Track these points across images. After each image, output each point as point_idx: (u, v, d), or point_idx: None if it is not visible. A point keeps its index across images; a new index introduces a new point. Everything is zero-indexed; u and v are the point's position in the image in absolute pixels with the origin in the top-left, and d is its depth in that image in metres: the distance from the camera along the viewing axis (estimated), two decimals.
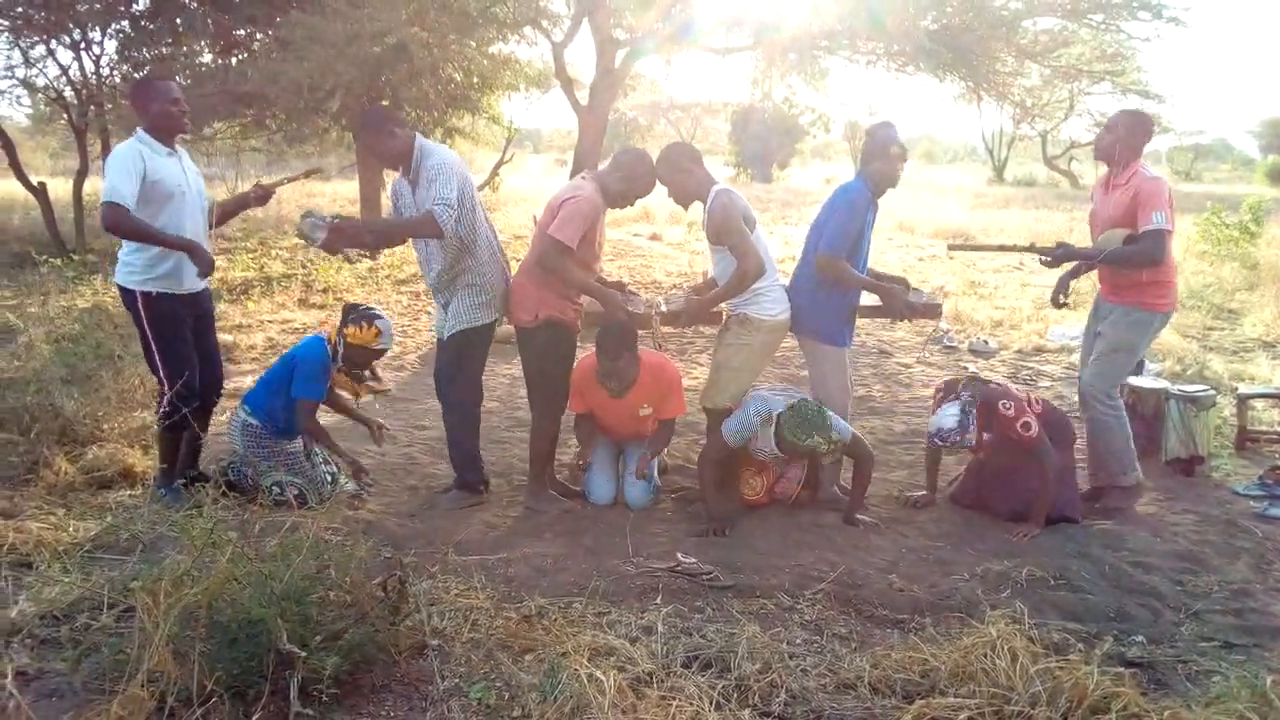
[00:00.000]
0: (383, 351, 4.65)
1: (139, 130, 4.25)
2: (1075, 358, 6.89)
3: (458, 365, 4.57)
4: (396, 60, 9.93)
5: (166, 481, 4.42)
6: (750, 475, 4.67)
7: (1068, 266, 4.96)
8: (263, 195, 4.69)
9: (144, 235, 4.10)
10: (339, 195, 19.29)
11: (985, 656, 2.89)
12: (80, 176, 13.51)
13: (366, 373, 4.76)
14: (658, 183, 4.57)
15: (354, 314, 4.55)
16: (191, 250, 4.15)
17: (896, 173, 4.61)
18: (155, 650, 2.59)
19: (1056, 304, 4.90)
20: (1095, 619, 3.56)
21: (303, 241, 4.41)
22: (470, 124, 14.47)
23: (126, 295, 4.30)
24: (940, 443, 4.56)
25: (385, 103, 11.76)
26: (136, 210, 4.05)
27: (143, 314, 4.26)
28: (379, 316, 4.56)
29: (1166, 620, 3.59)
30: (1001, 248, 5.26)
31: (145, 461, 4.82)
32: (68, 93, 13.52)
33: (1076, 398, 5.12)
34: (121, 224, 4.04)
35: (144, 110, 4.24)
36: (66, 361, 6.39)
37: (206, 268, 4.19)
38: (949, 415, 4.48)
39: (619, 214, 4.83)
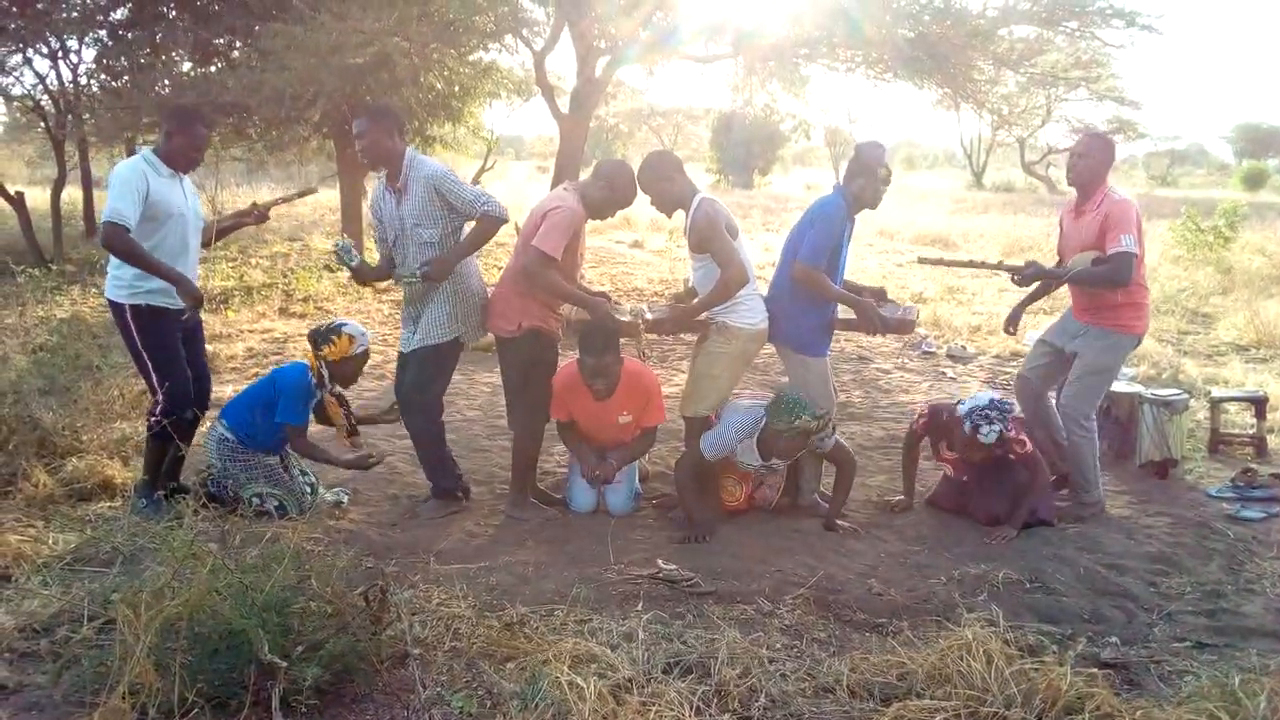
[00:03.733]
0: (365, 354, 4.66)
1: (145, 149, 4.34)
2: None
3: (428, 377, 4.58)
4: (378, 69, 9.93)
5: (147, 493, 4.41)
6: (731, 482, 4.70)
7: (1029, 290, 5.00)
8: (261, 215, 4.79)
9: (138, 259, 4.14)
10: (320, 204, 19.22)
11: (961, 659, 2.92)
12: (58, 186, 13.43)
13: (348, 414, 4.76)
14: (639, 192, 4.60)
15: (319, 336, 4.56)
16: (180, 283, 4.18)
17: (879, 195, 4.61)
18: (136, 662, 2.59)
19: (1008, 331, 4.95)
20: (1070, 621, 3.61)
21: (342, 260, 4.58)
22: (451, 132, 14.46)
23: (115, 309, 4.32)
24: (977, 421, 4.45)
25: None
26: (138, 227, 4.12)
27: (132, 327, 4.28)
28: (343, 324, 4.59)
29: (1140, 621, 3.64)
30: (971, 263, 5.29)
31: (125, 473, 4.80)
32: (45, 101, 13.44)
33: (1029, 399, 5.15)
34: (119, 245, 4.09)
35: (170, 135, 4.32)
36: (44, 372, 6.35)
37: (194, 302, 4.22)
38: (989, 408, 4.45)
39: (600, 222, 4.85)
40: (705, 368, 4.66)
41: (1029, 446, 4.51)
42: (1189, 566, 4.15)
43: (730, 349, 4.59)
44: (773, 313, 4.64)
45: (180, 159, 4.35)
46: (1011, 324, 4.89)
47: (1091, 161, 4.62)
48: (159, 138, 4.39)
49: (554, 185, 9.14)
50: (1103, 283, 4.53)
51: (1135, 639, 3.48)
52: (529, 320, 4.48)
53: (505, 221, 4.42)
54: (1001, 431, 4.43)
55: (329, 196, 18.12)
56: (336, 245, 4.57)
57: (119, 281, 4.28)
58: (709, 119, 37.19)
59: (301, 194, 5.30)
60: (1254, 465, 5.36)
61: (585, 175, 4.91)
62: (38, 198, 14.83)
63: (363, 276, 4.68)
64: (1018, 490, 4.52)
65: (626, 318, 4.68)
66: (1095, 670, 2.94)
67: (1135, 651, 3.36)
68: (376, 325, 9.43)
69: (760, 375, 7.44)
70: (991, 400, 4.50)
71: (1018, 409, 4.73)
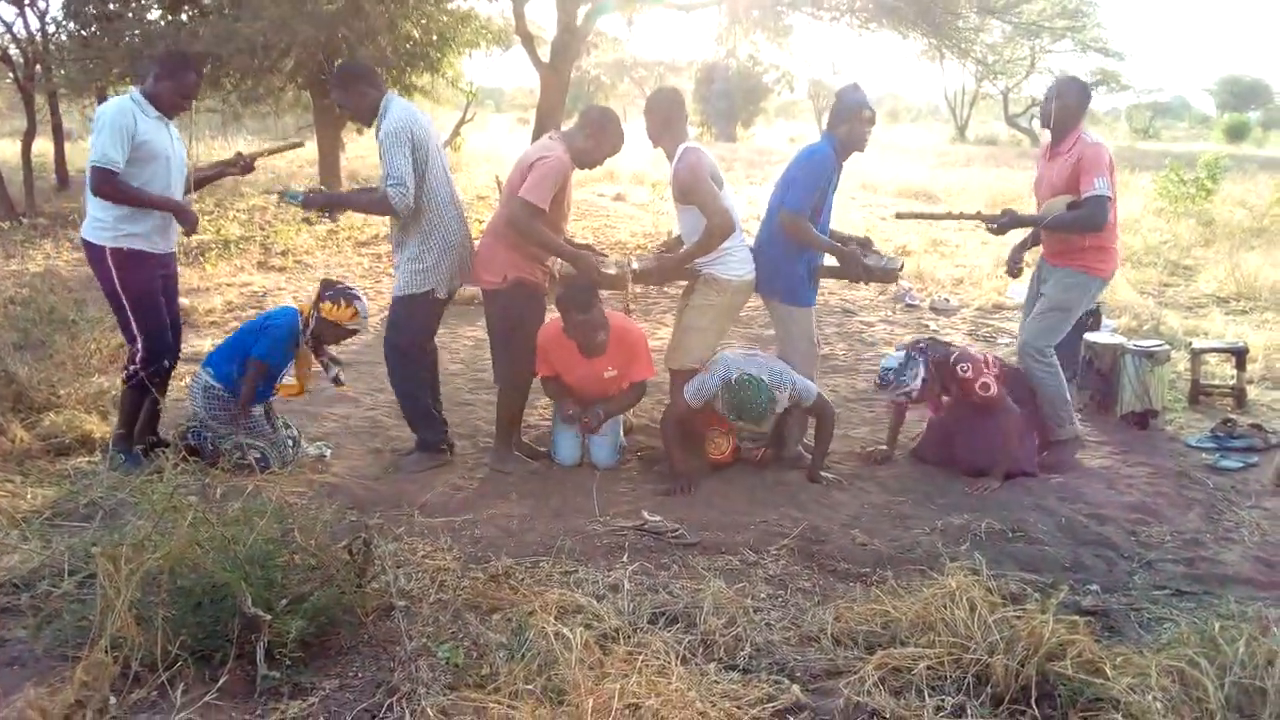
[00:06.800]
0: (354, 332, 4.63)
1: (134, 89, 4.30)
2: None
3: (399, 327, 4.57)
4: (352, 17, 9.72)
5: (124, 447, 4.37)
6: (716, 434, 4.69)
7: (1018, 236, 5.02)
8: (246, 166, 4.74)
9: (133, 199, 4.14)
10: (299, 156, 18.90)
11: (945, 607, 2.94)
12: (28, 138, 13.13)
13: (325, 358, 4.72)
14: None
15: (332, 291, 4.53)
16: (179, 210, 4.25)
17: (865, 137, 4.61)
18: (118, 616, 2.57)
19: (1012, 274, 4.98)
20: (1051, 569, 3.64)
21: (282, 199, 4.61)
22: (430, 82, 14.22)
23: (94, 251, 4.26)
24: (881, 383, 4.67)
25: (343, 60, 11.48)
26: (125, 169, 4.10)
27: (113, 270, 4.22)
28: (358, 298, 4.54)
29: (1120, 570, 3.68)
30: (948, 215, 5.34)
31: (103, 427, 4.75)
32: (12, 50, 13.10)
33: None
34: (110, 189, 4.08)
35: (158, 79, 4.28)
36: (18, 326, 6.26)
37: (192, 225, 4.30)
38: (894, 356, 4.61)
39: (583, 174, 4.80)
40: (692, 320, 4.64)
41: (993, 390, 4.50)
42: (1169, 516, 4.20)
43: (718, 301, 4.56)
44: (759, 263, 4.62)
45: (166, 103, 4.31)
46: (1014, 263, 4.91)
47: (1065, 103, 4.64)
48: (148, 79, 4.31)
49: (535, 137, 9.01)
50: (1078, 227, 4.56)
51: (1116, 587, 3.52)
52: (514, 272, 4.43)
53: (394, 214, 4.33)
54: (904, 362, 4.55)
55: (308, 148, 17.83)
56: (280, 191, 4.58)
57: (100, 223, 4.22)
58: (691, 70, 36.77)
59: (289, 146, 5.27)
60: (1233, 416, 5.41)
61: (568, 125, 4.83)
62: (7, 150, 14.52)
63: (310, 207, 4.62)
64: (998, 439, 4.54)
65: (613, 270, 4.63)
66: (1076, 618, 2.95)
67: (1116, 599, 3.40)
68: (356, 279, 9.32)
69: (745, 329, 7.42)
70: (894, 366, 4.57)
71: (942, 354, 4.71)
